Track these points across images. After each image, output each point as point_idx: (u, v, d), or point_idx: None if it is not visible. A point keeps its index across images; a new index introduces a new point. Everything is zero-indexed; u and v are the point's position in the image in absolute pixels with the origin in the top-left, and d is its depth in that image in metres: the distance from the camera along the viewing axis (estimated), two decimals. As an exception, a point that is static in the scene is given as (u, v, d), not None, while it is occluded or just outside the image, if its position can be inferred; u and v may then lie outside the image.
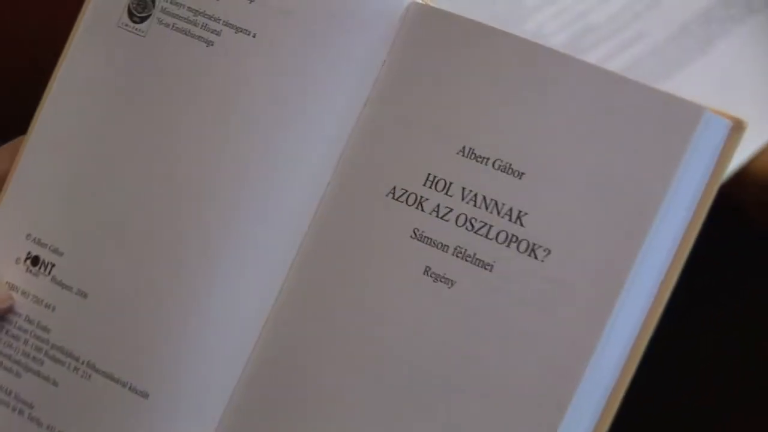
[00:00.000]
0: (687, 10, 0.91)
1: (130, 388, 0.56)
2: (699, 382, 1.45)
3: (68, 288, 0.58)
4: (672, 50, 0.88)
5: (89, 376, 0.56)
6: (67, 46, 0.61)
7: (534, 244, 0.52)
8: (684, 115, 0.53)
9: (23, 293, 0.58)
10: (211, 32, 0.57)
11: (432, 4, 0.57)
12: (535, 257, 0.52)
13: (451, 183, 0.53)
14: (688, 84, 0.85)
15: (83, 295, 0.57)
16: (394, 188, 0.54)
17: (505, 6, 0.90)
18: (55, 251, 0.58)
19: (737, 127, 0.53)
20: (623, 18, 0.90)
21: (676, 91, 0.73)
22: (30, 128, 0.61)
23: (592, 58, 0.86)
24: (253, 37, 0.57)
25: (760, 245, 0.86)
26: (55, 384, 0.56)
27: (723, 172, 0.53)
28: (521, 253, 0.52)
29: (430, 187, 0.54)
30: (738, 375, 1.43)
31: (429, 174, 0.54)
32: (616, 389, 0.51)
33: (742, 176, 0.85)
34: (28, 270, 0.59)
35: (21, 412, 0.57)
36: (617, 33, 0.90)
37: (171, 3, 0.58)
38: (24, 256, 0.59)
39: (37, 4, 0.77)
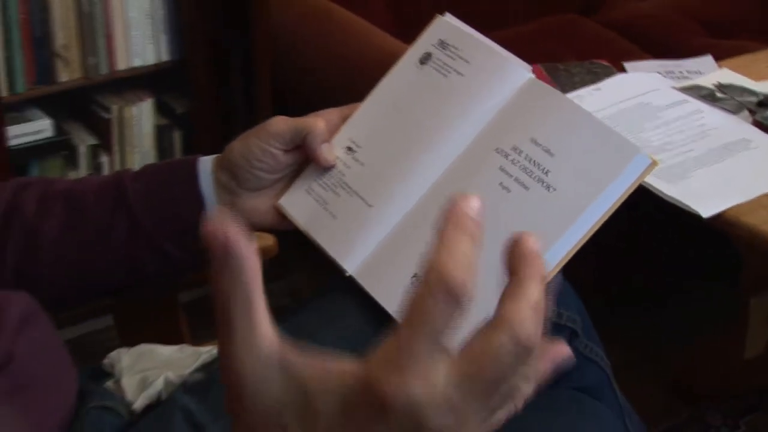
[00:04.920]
0: (718, 141, 1.22)
1: (366, 202, 0.88)
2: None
3: (359, 161, 0.90)
4: (704, 159, 1.19)
5: (353, 196, 0.89)
6: (392, 68, 0.94)
7: (549, 185, 0.81)
8: (628, 150, 0.79)
9: (339, 160, 0.91)
10: (447, 72, 0.90)
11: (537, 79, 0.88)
12: (548, 190, 0.80)
13: (521, 150, 0.83)
14: (704, 177, 1.16)
15: (362, 164, 0.90)
16: (497, 148, 0.84)
17: (633, 124, 1.26)
18: (358, 146, 0.91)
19: (652, 164, 0.78)
20: (684, 142, 1.22)
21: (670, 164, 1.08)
22: (364, 102, 0.93)
23: (667, 155, 1.19)
24: (461, 75, 0.89)
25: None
26: (338, 195, 0.89)
27: (639, 181, 0.79)
28: (543, 187, 0.81)
29: (514, 150, 0.83)
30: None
31: (515, 146, 0.83)
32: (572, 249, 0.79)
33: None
34: (345, 152, 0.91)
35: (320, 204, 0.90)
36: (680, 146, 1.21)
37: (434, 61, 0.91)
38: (345, 146, 0.92)
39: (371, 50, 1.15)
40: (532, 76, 0.89)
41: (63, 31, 1.73)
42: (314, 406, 0.45)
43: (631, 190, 0.81)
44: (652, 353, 1.74)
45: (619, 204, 0.81)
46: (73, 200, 0.96)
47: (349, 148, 0.93)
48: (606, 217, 0.81)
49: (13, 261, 0.94)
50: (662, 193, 1.17)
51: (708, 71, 1.44)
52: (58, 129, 1.81)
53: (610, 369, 1.00)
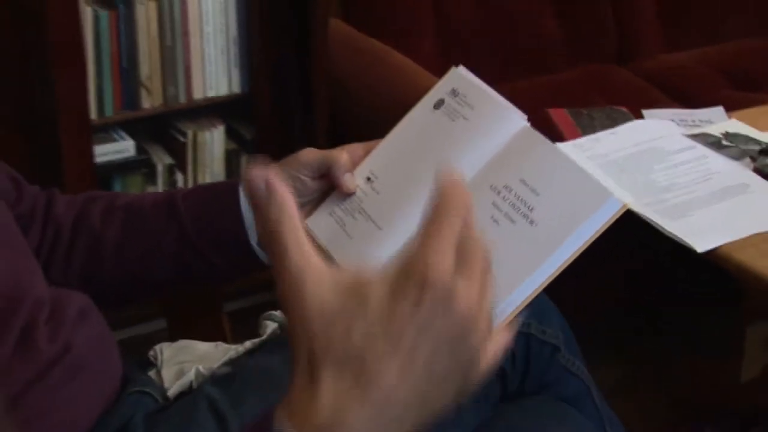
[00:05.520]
0: (719, 184, 1.26)
1: (377, 226, 0.94)
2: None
3: (375, 190, 0.97)
4: (705, 200, 1.24)
5: (368, 220, 0.95)
6: (410, 110, 1.01)
7: (532, 220, 0.85)
8: (603, 194, 0.83)
9: (359, 188, 0.97)
10: (455, 117, 0.96)
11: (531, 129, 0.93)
12: (531, 225, 0.84)
13: (511, 188, 0.87)
14: (703, 216, 1.23)
15: (377, 192, 0.97)
16: (491, 185, 0.89)
17: (642, 166, 1.31)
18: (375, 177, 0.98)
19: (623, 207, 0.82)
20: (688, 184, 1.27)
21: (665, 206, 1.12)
22: (385, 138, 1.00)
23: (671, 194, 1.25)
24: (466, 120, 0.96)
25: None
26: (356, 219, 0.96)
27: (612, 220, 0.82)
28: (527, 221, 0.85)
29: (504, 188, 0.88)
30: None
31: (506, 185, 0.88)
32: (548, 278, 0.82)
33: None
34: (364, 181, 0.97)
35: (339, 225, 0.97)
36: (684, 187, 1.26)
37: (446, 106, 1.01)
38: (365, 176, 0.98)
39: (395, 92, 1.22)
40: (527, 124, 0.96)
41: (147, 64, 1.86)
42: (367, 298, 0.50)
43: (605, 227, 0.85)
44: (652, 370, 1.78)
45: (594, 239, 0.85)
46: (132, 213, 1.06)
47: (368, 178, 1.00)
48: (582, 250, 0.84)
49: (79, 264, 1.05)
50: (663, 228, 1.23)
51: (718, 121, 1.49)
52: (140, 149, 1.94)
53: (590, 381, 1.07)
